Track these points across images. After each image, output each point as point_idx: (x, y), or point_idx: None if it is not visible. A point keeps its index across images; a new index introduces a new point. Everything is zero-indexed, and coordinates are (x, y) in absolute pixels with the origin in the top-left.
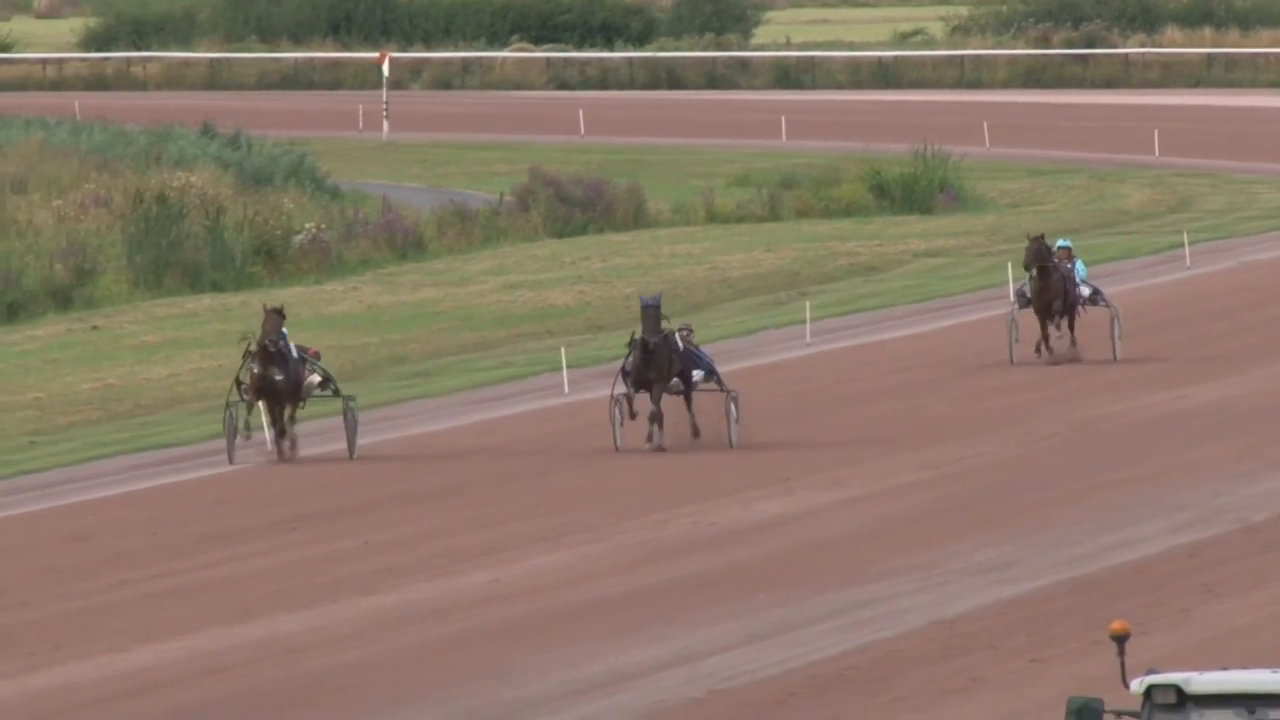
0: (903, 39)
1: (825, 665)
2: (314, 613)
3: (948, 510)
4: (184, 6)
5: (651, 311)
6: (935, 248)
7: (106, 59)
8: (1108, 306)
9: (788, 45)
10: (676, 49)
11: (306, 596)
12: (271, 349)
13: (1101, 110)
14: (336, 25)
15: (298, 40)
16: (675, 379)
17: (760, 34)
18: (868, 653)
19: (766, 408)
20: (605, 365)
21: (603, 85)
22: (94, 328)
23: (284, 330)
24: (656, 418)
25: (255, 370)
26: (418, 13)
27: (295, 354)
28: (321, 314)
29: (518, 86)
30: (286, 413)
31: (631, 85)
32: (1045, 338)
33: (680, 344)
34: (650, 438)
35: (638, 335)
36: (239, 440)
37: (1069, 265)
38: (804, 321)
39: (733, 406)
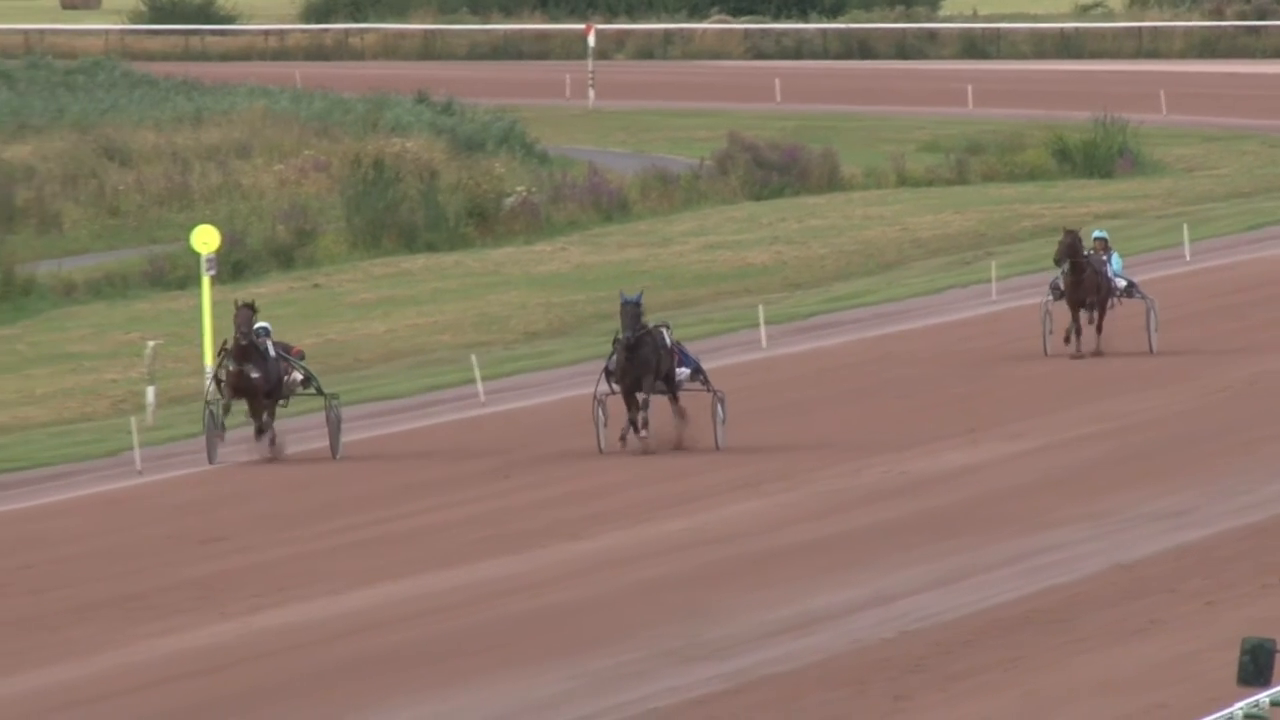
0: (1083, 11)
1: (1009, 608)
2: (522, 557)
3: (1124, 460)
4: None
5: (630, 308)
6: (1114, 210)
7: (326, 30)
8: (1144, 299)
9: (974, 17)
10: (868, 20)
11: (515, 542)
12: (244, 343)
13: (1273, 79)
14: None
15: (508, 12)
16: (659, 380)
17: (948, 6)
18: (1049, 596)
19: (954, 362)
20: (801, 322)
21: (798, 55)
22: (315, 286)
23: (267, 327)
24: (644, 406)
25: (230, 368)
26: None
27: (274, 352)
28: (531, 273)
29: (717, 56)
30: (261, 410)
31: (825, 55)
32: (1077, 330)
33: (667, 339)
34: (642, 424)
35: (621, 335)
36: (219, 438)
37: (1104, 257)
38: (990, 280)
39: (719, 407)
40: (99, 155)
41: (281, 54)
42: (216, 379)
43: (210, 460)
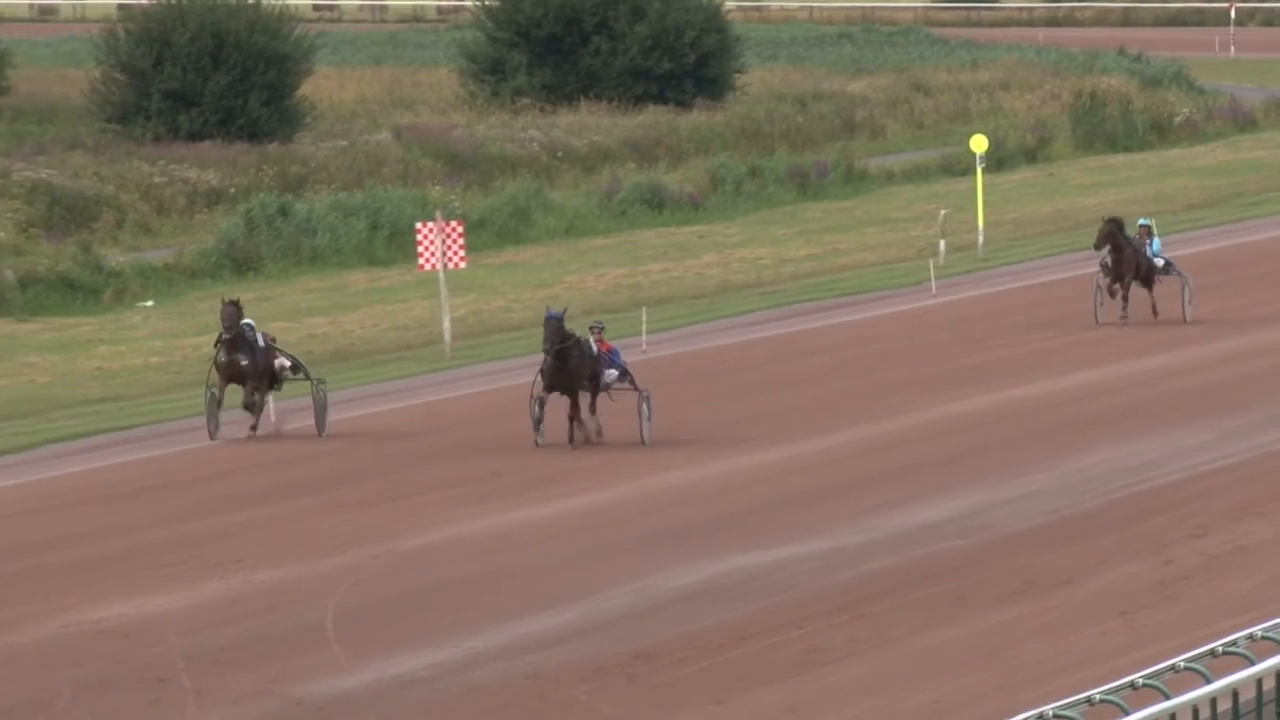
0: None
1: None
2: (1107, 369)
3: None
4: None
5: (553, 323)
6: None
7: (1059, 6)
8: (1180, 275)
9: None
10: None
11: (1083, 363)
12: (230, 335)
13: None
14: None
15: None
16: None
17: None
18: None
19: None
20: None
21: None
22: (1049, 174)
23: (251, 323)
24: (574, 417)
25: (223, 358)
26: None
27: (263, 342)
28: (1191, 166)
29: None
30: (254, 391)
31: None
32: (1124, 298)
33: (594, 347)
34: (571, 438)
35: (544, 347)
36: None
37: (1146, 242)
38: None
39: (645, 405)
40: (910, 89)
41: (1029, 22)
42: (216, 364)
43: (211, 437)
